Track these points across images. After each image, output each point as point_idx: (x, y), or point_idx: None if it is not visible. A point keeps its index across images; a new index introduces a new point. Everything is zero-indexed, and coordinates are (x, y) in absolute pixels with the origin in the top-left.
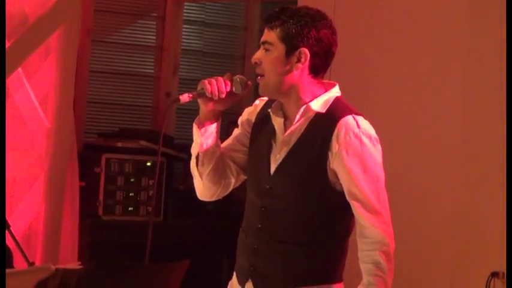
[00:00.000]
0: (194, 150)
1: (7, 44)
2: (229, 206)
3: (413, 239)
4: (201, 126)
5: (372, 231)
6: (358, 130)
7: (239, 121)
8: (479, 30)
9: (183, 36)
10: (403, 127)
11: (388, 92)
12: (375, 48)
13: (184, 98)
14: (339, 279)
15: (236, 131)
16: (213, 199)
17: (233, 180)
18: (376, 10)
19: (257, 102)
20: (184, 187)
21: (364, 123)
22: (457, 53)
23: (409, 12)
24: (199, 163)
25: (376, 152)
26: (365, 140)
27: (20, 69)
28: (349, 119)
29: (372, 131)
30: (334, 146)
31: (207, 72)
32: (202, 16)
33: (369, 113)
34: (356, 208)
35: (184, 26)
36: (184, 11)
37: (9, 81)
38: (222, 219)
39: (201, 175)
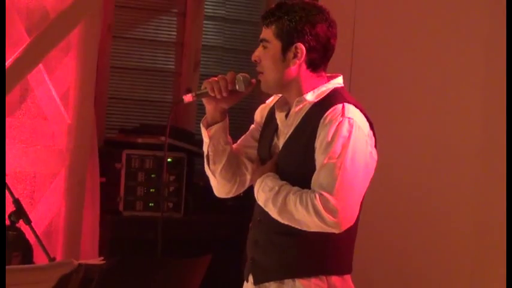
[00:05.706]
0: (204, 149)
1: (28, 39)
2: (249, 202)
3: (433, 238)
4: (207, 126)
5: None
6: (341, 117)
7: (254, 117)
8: (499, 28)
9: (204, 32)
10: (424, 125)
11: (408, 91)
12: (395, 47)
13: (188, 98)
14: (339, 272)
15: (251, 128)
16: (229, 196)
17: (249, 177)
18: (396, 8)
19: (271, 97)
20: (204, 183)
21: (352, 112)
22: (477, 52)
23: (429, 10)
24: (210, 162)
25: (353, 140)
26: (343, 127)
27: (40, 65)
28: (338, 106)
29: (357, 118)
30: (319, 134)
31: (227, 68)
32: (223, 12)
33: (390, 111)
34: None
35: (205, 22)
36: (205, 7)
37: (30, 77)
38: (242, 214)
39: (213, 173)
